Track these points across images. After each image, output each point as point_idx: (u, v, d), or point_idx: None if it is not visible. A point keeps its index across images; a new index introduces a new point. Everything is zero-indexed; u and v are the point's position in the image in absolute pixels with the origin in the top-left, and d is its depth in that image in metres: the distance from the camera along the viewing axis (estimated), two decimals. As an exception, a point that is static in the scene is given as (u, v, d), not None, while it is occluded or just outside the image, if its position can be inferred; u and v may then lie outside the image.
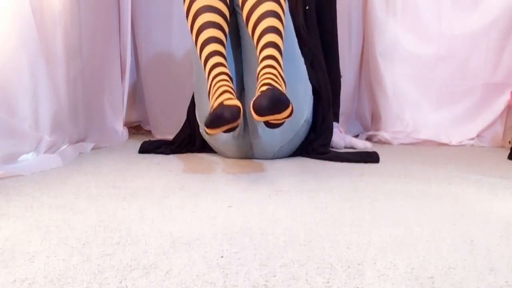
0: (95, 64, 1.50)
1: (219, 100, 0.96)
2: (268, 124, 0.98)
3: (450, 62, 1.88)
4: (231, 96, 0.98)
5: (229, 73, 1.06)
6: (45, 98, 1.11)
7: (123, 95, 1.73)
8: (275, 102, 0.89)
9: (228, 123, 0.92)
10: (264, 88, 0.94)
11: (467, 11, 1.86)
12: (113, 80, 1.68)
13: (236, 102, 0.95)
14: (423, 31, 1.89)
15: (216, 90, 1.01)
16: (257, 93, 0.94)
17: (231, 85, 1.02)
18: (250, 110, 0.92)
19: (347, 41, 2.01)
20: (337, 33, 1.59)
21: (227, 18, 1.13)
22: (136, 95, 2.05)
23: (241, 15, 1.12)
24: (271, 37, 1.04)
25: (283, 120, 0.96)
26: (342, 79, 1.65)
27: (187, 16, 1.13)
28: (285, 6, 1.11)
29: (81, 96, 1.38)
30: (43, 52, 1.11)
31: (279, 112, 0.91)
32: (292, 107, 0.93)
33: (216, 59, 1.07)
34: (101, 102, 1.60)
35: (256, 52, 1.05)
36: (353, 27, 2.02)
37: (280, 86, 0.98)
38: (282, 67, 1.04)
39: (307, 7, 1.42)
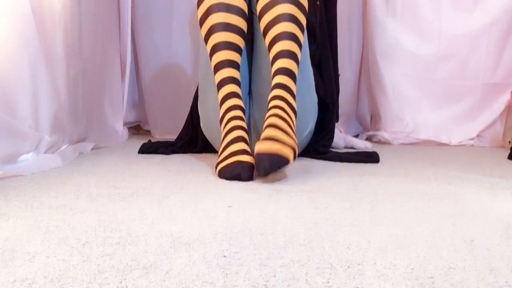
0: (95, 64, 1.50)
1: (234, 149, 0.99)
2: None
3: (450, 62, 1.88)
4: (245, 147, 1.01)
5: (243, 104, 1.07)
6: (45, 98, 1.11)
7: (123, 95, 1.73)
8: (274, 166, 0.92)
9: (244, 180, 0.95)
10: (268, 131, 0.94)
11: (467, 11, 1.86)
12: (113, 80, 1.68)
13: (250, 159, 0.98)
14: (423, 31, 1.89)
15: (229, 131, 1.02)
16: (261, 136, 0.95)
17: (244, 125, 1.04)
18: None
19: (347, 41, 2.01)
20: (337, 31, 1.58)
21: (244, 33, 1.12)
22: (136, 95, 2.05)
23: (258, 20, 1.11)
24: (285, 62, 1.03)
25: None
26: (341, 79, 1.65)
27: (201, 25, 1.12)
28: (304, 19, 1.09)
29: (81, 96, 1.38)
30: (43, 52, 1.11)
31: (280, 168, 0.93)
32: (294, 159, 0.95)
33: (231, 87, 1.07)
34: (101, 102, 1.60)
35: (270, 67, 1.06)
36: (353, 27, 2.03)
37: (288, 123, 0.98)
38: (295, 92, 1.04)
39: (318, 2, 1.40)
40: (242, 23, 1.11)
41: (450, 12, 1.87)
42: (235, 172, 0.96)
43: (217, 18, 1.09)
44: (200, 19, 1.12)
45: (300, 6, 1.06)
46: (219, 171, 0.99)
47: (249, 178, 0.95)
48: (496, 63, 1.85)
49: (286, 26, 1.04)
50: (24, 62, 1.03)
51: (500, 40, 1.83)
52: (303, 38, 1.10)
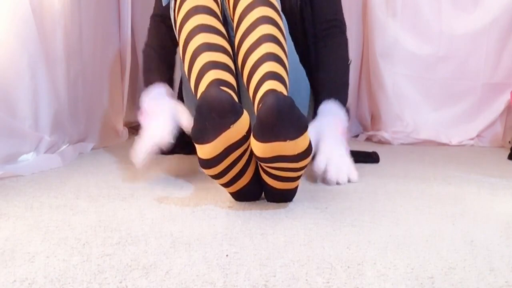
0: (95, 64, 1.50)
1: (210, 78, 0.71)
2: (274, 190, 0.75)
3: (450, 62, 1.88)
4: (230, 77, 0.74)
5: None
6: (45, 98, 1.11)
7: (123, 95, 1.73)
8: (287, 116, 0.58)
9: (224, 114, 0.61)
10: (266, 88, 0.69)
11: (467, 11, 1.86)
12: (113, 80, 1.68)
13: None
14: (423, 31, 1.89)
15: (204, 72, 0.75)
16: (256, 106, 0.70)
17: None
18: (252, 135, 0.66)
19: (347, 41, 2.01)
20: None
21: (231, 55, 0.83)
22: (136, 95, 2.05)
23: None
24: (270, 66, 0.75)
25: (298, 165, 0.67)
26: None
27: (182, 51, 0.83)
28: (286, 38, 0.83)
29: (81, 96, 1.38)
30: (43, 52, 1.11)
31: (293, 136, 0.60)
32: (311, 146, 0.66)
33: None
34: (101, 102, 1.60)
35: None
36: (353, 27, 2.02)
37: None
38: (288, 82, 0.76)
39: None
40: (227, 45, 0.83)
41: (450, 12, 1.87)
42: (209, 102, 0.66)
43: (200, 39, 0.81)
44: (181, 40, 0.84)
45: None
46: (193, 136, 0.74)
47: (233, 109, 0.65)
48: (496, 63, 1.85)
49: (267, 47, 0.77)
50: (24, 62, 1.03)
51: (500, 40, 1.83)
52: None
